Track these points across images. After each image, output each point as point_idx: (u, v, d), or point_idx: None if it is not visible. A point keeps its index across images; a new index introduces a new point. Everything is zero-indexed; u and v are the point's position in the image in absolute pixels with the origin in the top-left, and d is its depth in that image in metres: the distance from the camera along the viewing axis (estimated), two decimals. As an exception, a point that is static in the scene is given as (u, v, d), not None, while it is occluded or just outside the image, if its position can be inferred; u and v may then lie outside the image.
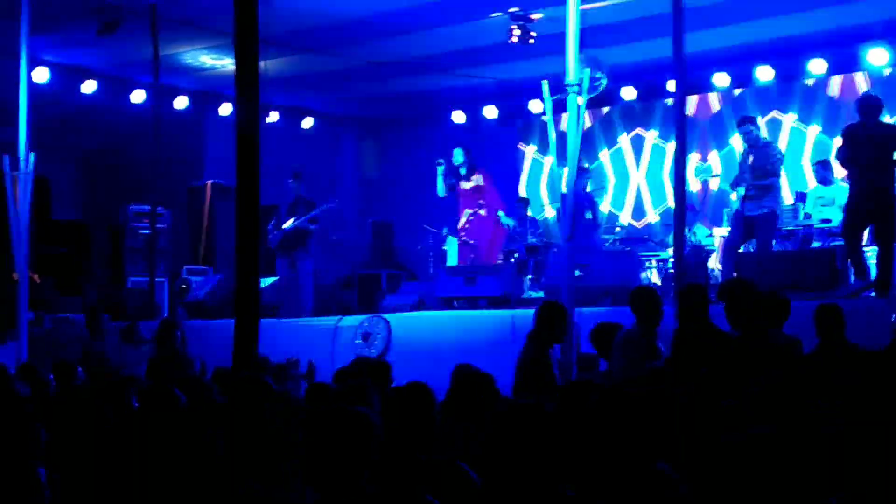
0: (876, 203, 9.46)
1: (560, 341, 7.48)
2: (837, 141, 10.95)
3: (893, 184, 9.49)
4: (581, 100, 8.99)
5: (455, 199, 13.53)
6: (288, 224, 13.12)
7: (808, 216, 12.30)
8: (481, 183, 13.18)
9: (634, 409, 3.52)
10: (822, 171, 12.67)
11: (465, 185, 13.27)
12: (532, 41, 12.68)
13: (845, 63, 14.12)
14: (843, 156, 9.91)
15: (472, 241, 12.84)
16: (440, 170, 13.40)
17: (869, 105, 9.87)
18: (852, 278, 9.85)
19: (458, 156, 13.23)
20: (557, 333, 7.27)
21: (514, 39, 12.77)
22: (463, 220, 13.07)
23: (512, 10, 12.48)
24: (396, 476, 3.29)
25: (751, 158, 10.79)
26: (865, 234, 9.97)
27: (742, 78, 14.82)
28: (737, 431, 3.02)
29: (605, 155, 16.55)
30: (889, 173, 9.52)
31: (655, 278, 12.97)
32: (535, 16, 12.49)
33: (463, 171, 13.22)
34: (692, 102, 14.93)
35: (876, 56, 13.44)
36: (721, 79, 14.74)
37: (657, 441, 3.59)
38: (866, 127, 9.73)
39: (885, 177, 9.49)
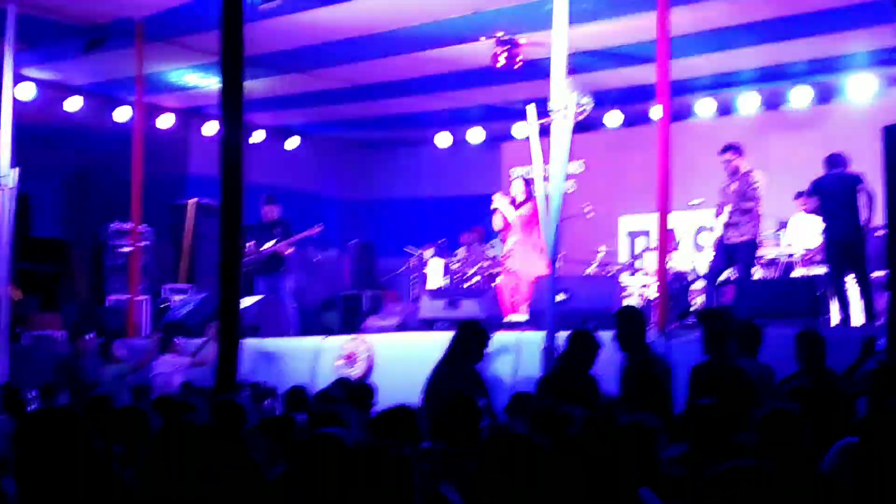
0: (848, 254, 10.05)
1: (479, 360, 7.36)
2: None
3: (862, 231, 10.09)
4: (567, 124, 9.01)
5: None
6: (267, 246, 13.12)
7: (789, 244, 12.34)
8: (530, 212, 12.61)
9: (619, 439, 3.52)
10: (806, 200, 12.73)
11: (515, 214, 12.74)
12: (518, 66, 12.73)
13: (828, 93, 14.26)
14: (813, 207, 10.60)
15: (513, 270, 12.52)
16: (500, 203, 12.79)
17: (834, 160, 10.45)
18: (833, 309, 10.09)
19: (518, 187, 12.70)
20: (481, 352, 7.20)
21: (501, 63, 12.82)
22: (507, 248, 12.66)
23: (498, 34, 12.52)
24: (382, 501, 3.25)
25: (732, 186, 10.82)
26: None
27: (726, 105, 14.96)
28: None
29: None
30: (858, 221, 10.09)
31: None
32: (521, 39, 12.54)
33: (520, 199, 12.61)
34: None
35: (858, 86, 13.59)
36: (705, 105, 14.86)
37: (642, 470, 3.59)
38: (832, 177, 10.34)
39: (854, 226, 10.08)
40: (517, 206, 12.48)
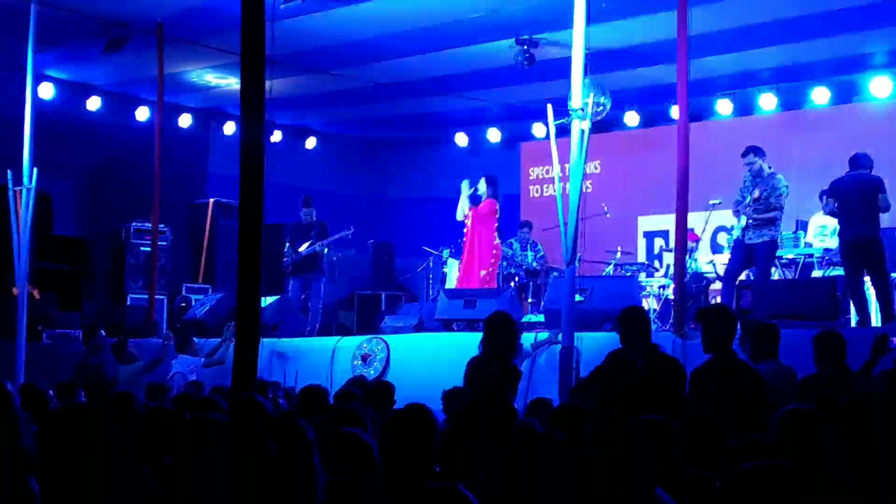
0: (865, 255, 9.91)
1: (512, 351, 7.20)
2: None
3: (879, 232, 9.98)
4: (585, 124, 8.99)
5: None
6: (304, 248, 13.18)
7: (808, 245, 12.29)
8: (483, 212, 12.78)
9: (635, 438, 3.52)
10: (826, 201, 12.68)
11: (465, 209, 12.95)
12: (535, 62, 12.74)
13: (848, 92, 14.19)
14: (831, 208, 10.44)
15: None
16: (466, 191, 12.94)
17: (857, 161, 10.30)
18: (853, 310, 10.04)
19: (481, 185, 12.83)
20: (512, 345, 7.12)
21: (519, 62, 12.82)
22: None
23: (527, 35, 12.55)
24: (397, 500, 3.26)
25: (756, 192, 10.76)
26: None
27: (745, 105, 14.90)
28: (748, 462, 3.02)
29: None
30: (875, 222, 9.99)
31: (654, 305, 12.95)
32: (540, 38, 12.54)
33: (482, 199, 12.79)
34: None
35: (878, 86, 13.54)
36: (724, 105, 14.82)
37: (661, 468, 3.59)
38: (851, 178, 10.22)
39: (871, 227, 9.97)
40: (473, 203, 12.59)
